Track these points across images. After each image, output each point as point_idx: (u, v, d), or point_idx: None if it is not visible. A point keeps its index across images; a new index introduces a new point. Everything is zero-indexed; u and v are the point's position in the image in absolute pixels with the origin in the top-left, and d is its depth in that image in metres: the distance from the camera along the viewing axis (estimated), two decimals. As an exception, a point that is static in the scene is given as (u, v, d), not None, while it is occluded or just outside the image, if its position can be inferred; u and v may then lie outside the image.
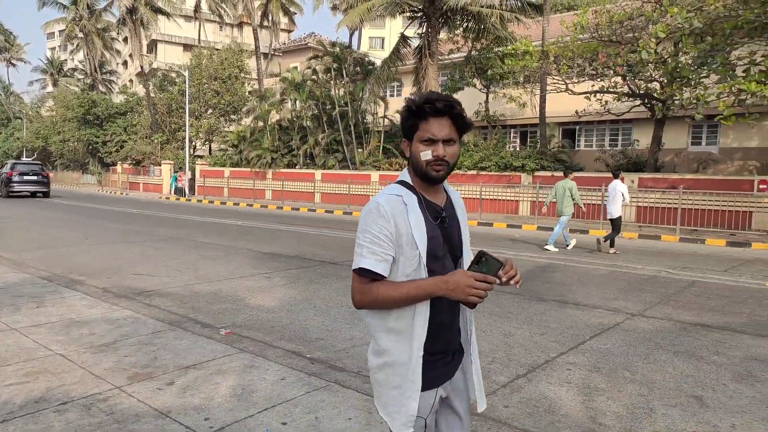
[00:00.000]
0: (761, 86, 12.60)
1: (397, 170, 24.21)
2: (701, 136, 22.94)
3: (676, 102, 16.00)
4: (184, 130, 32.99)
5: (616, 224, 11.79)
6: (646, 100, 18.77)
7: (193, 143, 36.00)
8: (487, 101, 24.40)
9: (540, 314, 6.35)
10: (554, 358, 4.82)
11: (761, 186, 15.84)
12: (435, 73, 22.07)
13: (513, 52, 20.53)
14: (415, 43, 24.03)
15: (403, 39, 23.63)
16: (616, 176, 12.14)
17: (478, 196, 19.86)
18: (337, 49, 26.44)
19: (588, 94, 19.11)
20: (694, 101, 14.50)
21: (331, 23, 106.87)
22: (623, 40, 17.42)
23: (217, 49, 37.10)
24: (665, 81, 16.33)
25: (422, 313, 1.72)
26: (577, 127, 25.01)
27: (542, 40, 20.60)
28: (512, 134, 27.00)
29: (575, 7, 34.54)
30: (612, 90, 18.68)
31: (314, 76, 27.30)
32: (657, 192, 17.10)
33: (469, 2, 19.36)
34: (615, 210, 11.73)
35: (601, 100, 19.32)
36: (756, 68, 13.98)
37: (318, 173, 26.65)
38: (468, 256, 1.88)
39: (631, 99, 18.99)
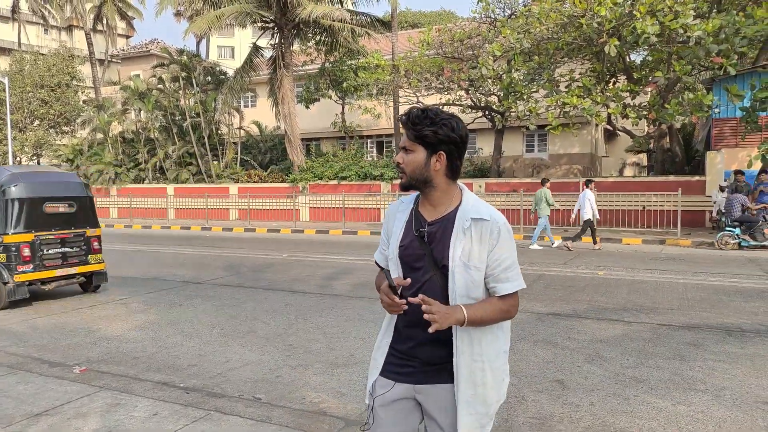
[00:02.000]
0: (581, 100, 14.41)
1: (256, 182, 23.64)
2: (534, 144, 25.55)
3: (513, 114, 17.68)
4: (5, 144, 28.97)
5: (586, 227, 13.39)
6: (487, 112, 20.48)
7: (18, 159, 31.73)
8: (343, 112, 24.82)
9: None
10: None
11: (584, 186, 18.07)
12: (291, 84, 21.96)
13: (366, 65, 21.19)
14: (269, 53, 23.70)
15: (256, 49, 23.19)
16: (587, 185, 13.84)
17: (341, 205, 20.11)
18: (185, 57, 25.11)
19: (437, 106, 20.33)
20: (528, 113, 16.13)
21: (175, 30, 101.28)
22: (465, 57, 18.85)
23: (43, 54, 33.20)
24: (502, 95, 17.95)
25: (391, 316, 1.95)
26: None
27: (392, 54, 21.51)
28: (369, 144, 27.74)
29: (419, 25, 36.69)
30: (457, 103, 20.09)
31: (160, 85, 25.63)
32: (501, 195, 18.72)
33: (321, 15, 19.59)
34: (585, 214, 13.35)
35: (448, 111, 20.66)
36: (575, 84, 16.00)
37: (170, 188, 25.02)
38: (459, 275, 1.81)
39: (474, 111, 20.59)
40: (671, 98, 14.66)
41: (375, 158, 25.92)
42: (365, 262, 11.29)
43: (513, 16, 17.86)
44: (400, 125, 1.89)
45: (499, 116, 19.11)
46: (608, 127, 18.86)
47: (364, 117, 24.08)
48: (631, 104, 15.70)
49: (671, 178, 17.11)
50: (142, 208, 25.20)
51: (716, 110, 15.56)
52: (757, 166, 13.70)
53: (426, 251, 1.83)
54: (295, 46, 23.68)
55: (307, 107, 24.18)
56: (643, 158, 29.60)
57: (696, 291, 7.85)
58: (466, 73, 17.78)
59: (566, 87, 16.16)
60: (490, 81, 17.33)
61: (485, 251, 1.81)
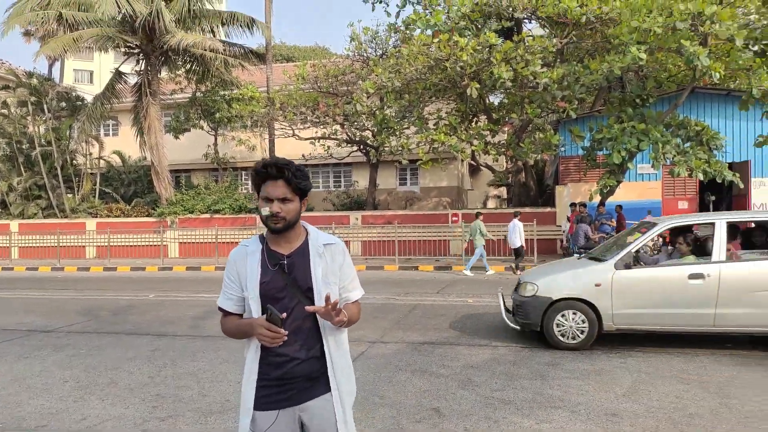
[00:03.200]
0: (447, 137, 15.36)
1: (118, 216, 21.91)
2: (407, 177, 26.63)
3: (386, 149, 18.36)
4: None
5: (519, 252, 14.82)
6: (362, 146, 21.05)
7: None
8: (216, 144, 24.05)
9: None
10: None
11: (453, 218, 19.16)
12: (157, 113, 20.88)
13: (240, 96, 20.85)
14: (133, 79, 22.39)
15: (119, 75, 21.80)
16: (516, 216, 15.32)
17: (214, 240, 19.28)
18: (35, 80, 22.88)
19: (313, 140, 20.53)
20: (400, 148, 16.85)
21: (24, 51, 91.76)
22: (339, 93, 19.32)
23: None
24: (376, 130, 18.60)
25: (253, 346, 2.11)
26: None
27: (267, 87, 21.41)
28: (244, 176, 27.08)
29: (294, 59, 37.00)
30: (333, 137, 20.44)
31: (4, 110, 23.03)
32: (377, 227, 19.19)
33: (191, 44, 19.01)
34: (516, 242, 14.73)
35: (324, 145, 20.96)
36: (442, 122, 17.07)
37: (14, 224, 22.30)
38: (324, 292, 2.07)
39: (349, 145, 21.06)
40: (525, 137, 16.18)
41: (250, 191, 25.34)
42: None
43: (384, 56, 18.70)
44: (268, 176, 2.06)
45: (373, 150, 19.71)
46: (472, 162, 20.29)
47: (238, 148, 23.54)
48: (492, 142, 17.07)
49: (527, 209, 18.72)
50: (-23, 248, 22.16)
51: (562, 149, 17.42)
52: (597, 198, 15.49)
53: (287, 281, 2.08)
54: (164, 74, 22.65)
55: (177, 137, 23.09)
56: (503, 191, 32.10)
57: (552, 313, 8.60)
58: (341, 108, 18.21)
59: (434, 124, 17.15)
60: (364, 116, 17.88)
61: (337, 268, 2.17)
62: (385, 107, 17.31)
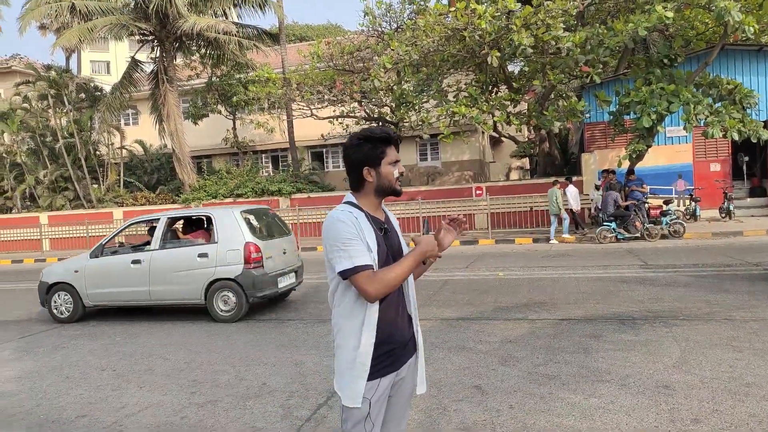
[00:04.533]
0: (468, 109, 15.02)
1: (144, 205, 22.10)
2: (427, 152, 26.30)
3: (406, 124, 18.07)
4: None
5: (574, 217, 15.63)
6: (381, 123, 20.76)
7: None
8: (234, 128, 24.00)
9: (325, 336, 6.39)
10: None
11: (477, 192, 18.86)
12: (176, 100, 20.86)
13: (256, 79, 20.67)
14: (149, 67, 22.36)
15: (135, 63, 21.79)
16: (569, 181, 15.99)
17: (236, 225, 19.32)
18: (53, 72, 22.99)
19: (331, 119, 20.31)
20: (420, 123, 16.55)
21: (41, 45, 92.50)
22: (356, 70, 19.01)
23: None
24: (394, 106, 18.30)
25: (372, 310, 2.01)
26: (325, 150, 26.33)
27: (282, 67, 21.19)
28: (264, 159, 27.06)
29: (307, 38, 36.58)
30: (351, 115, 20.18)
31: (26, 104, 23.24)
32: (400, 204, 19.01)
33: (204, 28, 18.83)
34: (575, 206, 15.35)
35: (342, 123, 20.73)
36: (462, 94, 16.69)
37: (44, 216, 22.68)
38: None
39: (368, 122, 20.78)
40: (548, 105, 15.73)
41: (271, 173, 25.33)
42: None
43: (400, 29, 18.30)
44: (389, 143, 2.09)
45: (393, 126, 19.42)
46: (494, 134, 19.85)
47: (257, 131, 23.47)
48: (513, 112, 16.66)
49: (553, 179, 18.33)
50: (11, 241, 22.64)
51: (587, 115, 16.92)
52: (626, 164, 15.04)
53: (388, 244, 2.10)
54: (179, 60, 22.57)
55: (195, 123, 23.10)
56: (526, 162, 31.56)
57: (587, 284, 8.39)
58: (358, 85, 17.93)
59: (454, 97, 16.79)
60: (382, 92, 17.60)
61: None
62: (403, 82, 16.98)
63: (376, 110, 19.79)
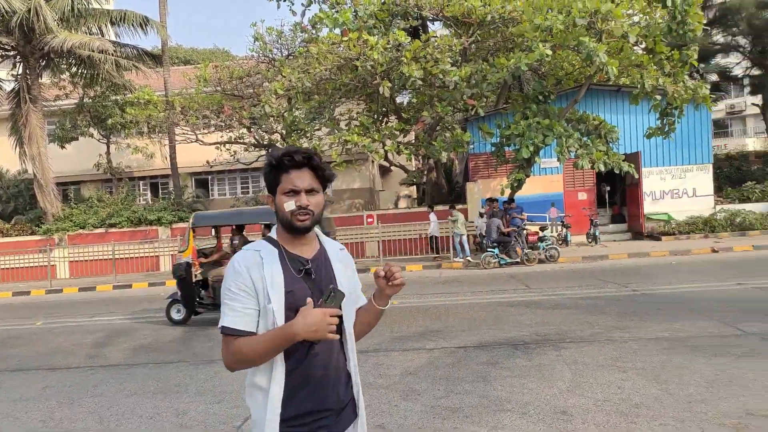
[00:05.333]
0: (360, 137, 15.09)
1: (8, 236, 19.50)
2: (318, 180, 26.09)
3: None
4: None
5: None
6: (270, 150, 20.29)
7: None
8: (108, 152, 22.17)
9: (212, 378, 5.85)
10: (240, 426, 4.43)
11: (369, 220, 18.93)
12: (40, 121, 18.89)
13: (135, 101, 19.35)
14: (10, 85, 20.13)
15: (-10, 79, 19.48)
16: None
17: (111, 256, 17.66)
18: None
19: (218, 145, 19.48)
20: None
21: None
22: (245, 95, 18.47)
23: None
24: (285, 133, 17.94)
25: (278, 368, 1.67)
26: (210, 177, 25.16)
27: (165, 90, 20.05)
28: (142, 186, 25.22)
29: (192, 62, 35.19)
30: (240, 141, 19.51)
31: None
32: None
33: (77, 44, 17.34)
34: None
35: (230, 150, 19.97)
36: (354, 122, 16.78)
37: None
38: (349, 309, 1.82)
39: (257, 149, 20.21)
40: (436, 136, 16.28)
41: (150, 201, 23.64)
42: (146, 319, 9.94)
43: (291, 57, 18.11)
44: (288, 167, 1.74)
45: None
46: (385, 163, 20.13)
47: (134, 156, 21.83)
48: (403, 142, 17.03)
49: (440, 207, 18.90)
50: None
51: (472, 146, 17.75)
52: (509, 193, 15.89)
53: (314, 289, 1.75)
54: (45, 78, 20.54)
55: (62, 147, 21.01)
56: (414, 191, 32.42)
57: (479, 309, 8.56)
58: (248, 110, 17.38)
59: (346, 125, 16.83)
60: (272, 119, 17.18)
61: (351, 275, 1.91)
62: (294, 109, 16.73)
63: (267, 137, 19.29)
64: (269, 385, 1.67)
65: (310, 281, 1.75)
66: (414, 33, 16.83)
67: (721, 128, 42.69)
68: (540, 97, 15.27)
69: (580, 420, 4.00)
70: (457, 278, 12.76)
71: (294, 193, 1.73)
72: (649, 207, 18.28)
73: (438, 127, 16.79)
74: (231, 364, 1.69)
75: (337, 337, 1.65)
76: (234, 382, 5.59)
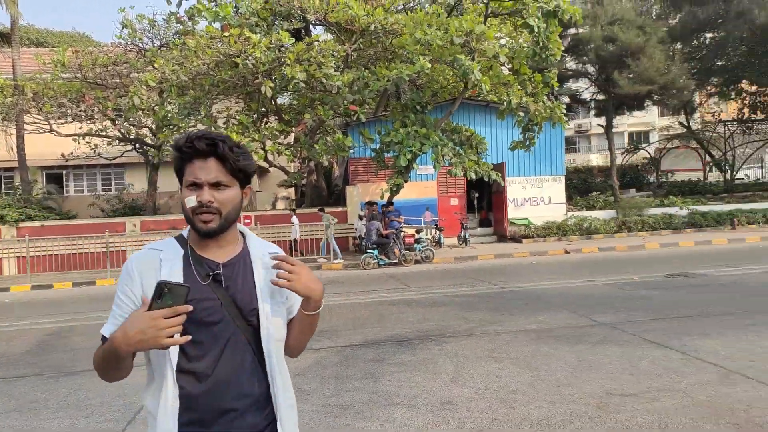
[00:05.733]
0: (240, 137, 14.64)
1: None
2: (190, 180, 24.82)
3: (169, 148, 16.76)
4: None
5: None
6: (139, 145, 18.94)
7: None
8: (-63, 140, 19.22)
9: (75, 391, 5.33)
10: (116, 438, 4.10)
11: (246, 221, 18.36)
12: None
13: (-26, 82, 17.03)
14: None
15: None
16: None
17: (-63, 261, 15.29)
18: None
19: (76, 137, 17.78)
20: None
21: None
22: (110, 85, 17.06)
23: None
24: (155, 127, 16.86)
25: (165, 391, 1.42)
26: (65, 172, 22.85)
27: (13, 73, 17.88)
28: (-22, 180, 22.22)
29: (46, 44, 31.73)
30: (102, 134, 17.98)
31: None
32: (160, 233, 17.38)
33: None
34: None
35: (90, 142, 18.33)
36: (232, 121, 16.23)
37: None
38: (272, 314, 1.54)
39: (123, 143, 18.77)
40: (318, 139, 16.30)
41: (-10, 197, 20.87)
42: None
43: (164, 48, 17.07)
44: (191, 156, 1.47)
45: (153, 150, 17.82)
46: (264, 163, 19.70)
47: (-29, 146, 19.20)
48: (284, 143, 16.82)
49: (318, 208, 18.92)
50: None
51: (352, 151, 18.03)
52: (387, 197, 16.37)
53: (224, 299, 1.48)
54: None
55: None
56: (292, 192, 32.05)
57: (362, 309, 8.72)
58: (113, 101, 16.07)
59: (224, 123, 16.23)
60: (141, 112, 16.06)
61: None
62: (166, 103, 15.79)
63: (134, 130, 17.98)
64: (156, 413, 1.43)
65: (219, 290, 1.48)
66: (297, 35, 16.71)
67: (570, 144, 47.50)
68: (418, 107, 15.94)
69: (464, 408, 4.26)
70: (337, 279, 12.86)
71: (196, 186, 1.47)
72: (511, 212, 19.86)
73: (319, 131, 16.81)
74: (96, 369, 1.47)
75: (174, 343, 1.31)
76: (104, 394, 5.15)
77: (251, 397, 1.50)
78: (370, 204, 16.52)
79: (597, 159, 42.81)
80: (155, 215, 19.21)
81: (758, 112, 27.26)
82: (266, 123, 17.92)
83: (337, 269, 15.10)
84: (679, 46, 25.43)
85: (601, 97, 26.28)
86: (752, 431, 3.60)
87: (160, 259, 1.49)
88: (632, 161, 33.16)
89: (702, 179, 30.67)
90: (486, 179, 15.79)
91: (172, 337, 1.30)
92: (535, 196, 20.42)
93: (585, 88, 28.35)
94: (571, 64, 26.83)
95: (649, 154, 33.39)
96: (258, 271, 1.56)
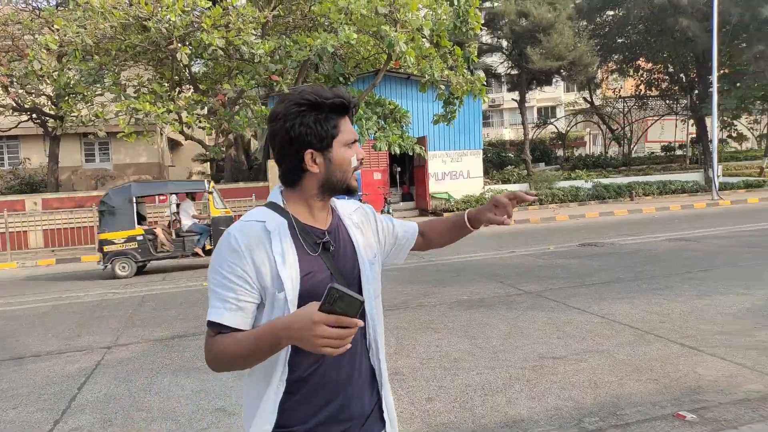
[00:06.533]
0: (154, 107, 13.80)
1: None
2: (95, 152, 23.20)
3: (73, 118, 15.51)
4: None
5: None
6: (35, 115, 17.39)
7: None
8: None
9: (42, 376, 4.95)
10: (51, 431, 3.87)
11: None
12: None
13: None
14: None
15: None
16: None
17: None
18: None
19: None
20: (94, 118, 14.44)
21: None
22: (2, 47, 15.44)
23: None
24: (56, 96, 15.52)
25: (275, 373, 1.32)
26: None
27: None
28: None
29: None
30: (-7, 102, 16.33)
31: None
32: (65, 212, 16.20)
33: None
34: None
35: (-21, 112, 16.59)
36: (144, 90, 15.24)
37: None
38: (371, 276, 1.47)
39: (17, 113, 17.15)
40: (239, 110, 15.71)
41: None
42: None
43: (63, 7, 15.61)
44: (344, 112, 1.39)
45: (54, 121, 16.40)
46: (180, 136, 18.77)
47: None
48: (202, 114, 16.07)
49: (240, 184, 18.41)
50: None
51: (274, 123, 17.57)
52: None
53: (333, 269, 1.38)
54: None
55: None
56: (207, 167, 30.82)
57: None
58: (6, 66, 14.58)
59: (135, 92, 15.23)
60: (39, 79, 14.67)
61: (373, 236, 1.56)
62: (66, 69, 14.52)
63: (30, 99, 16.44)
64: (263, 394, 1.33)
65: (328, 259, 1.38)
66: (212, -1, 15.84)
67: (485, 119, 49.09)
68: (341, 79, 15.75)
69: (412, 378, 4.41)
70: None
71: (355, 143, 1.42)
72: (433, 187, 20.32)
73: (240, 102, 16.20)
74: (209, 364, 1.32)
75: (338, 352, 1.15)
76: (30, 384, 4.82)
77: (362, 374, 1.41)
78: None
79: (509, 133, 44.56)
80: (58, 192, 17.82)
81: (653, 88, 29.44)
82: (179, 92, 16.99)
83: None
84: (584, 23, 26.76)
85: (514, 72, 27.22)
86: (669, 385, 4.02)
87: (267, 230, 1.34)
88: (541, 136, 34.88)
89: (604, 153, 32.89)
90: (410, 153, 15.99)
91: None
92: (455, 170, 20.97)
93: (500, 63, 29.24)
94: (486, 39, 27.54)
95: (557, 128, 35.25)
96: (354, 235, 1.47)
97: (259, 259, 1.30)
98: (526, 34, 23.08)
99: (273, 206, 1.41)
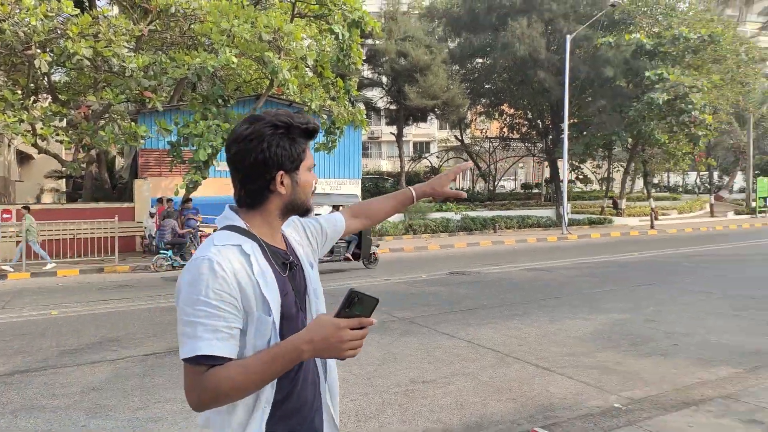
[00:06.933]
0: (4, 115, 12.39)
1: None
2: None
3: None
4: None
5: None
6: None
7: None
8: None
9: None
10: None
11: (5, 216, 15.63)
12: None
13: None
14: None
15: None
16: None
17: None
18: None
19: None
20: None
21: None
22: None
23: None
24: None
25: (264, 392, 1.29)
26: None
27: None
28: None
29: None
30: None
31: None
32: None
33: None
34: None
35: None
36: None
37: None
38: (318, 288, 1.50)
39: None
40: (104, 125, 14.62)
41: None
42: None
43: None
44: (308, 138, 1.44)
45: None
46: (33, 149, 16.99)
47: None
48: (61, 126, 14.73)
49: (102, 204, 17.02)
50: None
51: (144, 141, 16.57)
52: (183, 193, 15.41)
53: (294, 287, 1.40)
54: None
55: None
56: (62, 184, 28.08)
57: (162, 313, 8.14)
58: None
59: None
60: None
61: (308, 245, 1.58)
62: None
63: None
64: (247, 422, 1.28)
65: (291, 278, 1.40)
66: (79, 6, 14.78)
67: (363, 150, 50.37)
68: (220, 101, 15.35)
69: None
70: (126, 283, 11.74)
71: (312, 168, 1.48)
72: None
73: (106, 116, 15.10)
74: (203, 404, 1.21)
75: (353, 355, 1.21)
76: None
77: (317, 389, 1.44)
78: (161, 200, 15.38)
79: (387, 165, 46.07)
80: None
81: (515, 131, 32.31)
82: (35, 102, 15.46)
83: (123, 271, 13.74)
84: (456, 67, 28.80)
85: (393, 107, 28.41)
86: (525, 403, 4.37)
87: (246, 253, 1.30)
88: (416, 169, 36.55)
89: (471, 188, 35.18)
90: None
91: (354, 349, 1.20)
92: (333, 198, 21.18)
93: (380, 97, 30.36)
94: (367, 74, 28.50)
95: (430, 162, 37.18)
96: (297, 249, 1.49)
97: (244, 282, 1.27)
98: (405, 72, 24.30)
99: (236, 229, 1.36)
